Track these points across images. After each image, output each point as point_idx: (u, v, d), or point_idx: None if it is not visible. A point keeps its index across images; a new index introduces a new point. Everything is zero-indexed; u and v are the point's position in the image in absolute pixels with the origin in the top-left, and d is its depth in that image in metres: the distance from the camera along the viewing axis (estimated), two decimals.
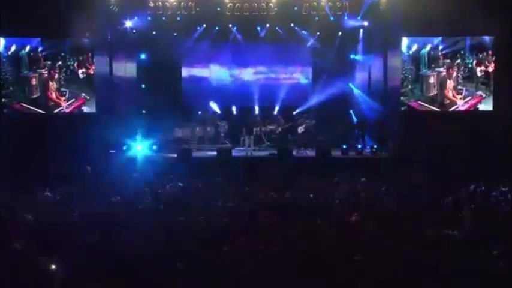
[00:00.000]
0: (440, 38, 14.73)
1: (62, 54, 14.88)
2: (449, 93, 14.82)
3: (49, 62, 14.83)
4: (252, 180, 11.03)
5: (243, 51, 17.59)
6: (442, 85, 14.80)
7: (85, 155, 13.28)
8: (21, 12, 13.86)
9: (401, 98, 14.74)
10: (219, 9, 15.60)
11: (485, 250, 5.76)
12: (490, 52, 14.63)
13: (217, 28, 16.64)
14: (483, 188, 9.87)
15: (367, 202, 9.00)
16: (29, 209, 8.21)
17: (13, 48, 14.79)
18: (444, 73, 14.77)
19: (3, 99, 14.75)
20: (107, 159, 13.91)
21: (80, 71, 14.90)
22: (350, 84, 17.21)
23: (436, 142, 13.57)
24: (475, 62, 14.73)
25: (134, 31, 16.27)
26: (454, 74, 14.79)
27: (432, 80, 14.82)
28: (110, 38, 15.18)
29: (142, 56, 17.09)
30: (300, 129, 16.47)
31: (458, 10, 13.33)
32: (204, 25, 16.47)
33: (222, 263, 5.54)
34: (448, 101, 14.82)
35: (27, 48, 14.78)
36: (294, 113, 17.04)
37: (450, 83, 14.79)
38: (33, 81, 14.88)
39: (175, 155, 14.80)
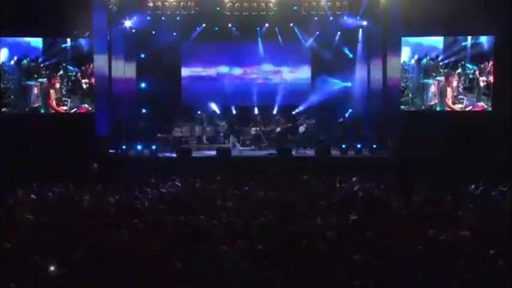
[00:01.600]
0: (442, 47, 14.77)
1: (64, 64, 14.95)
2: (449, 101, 14.88)
3: (48, 72, 14.90)
4: (251, 180, 11.02)
5: (243, 50, 17.58)
6: (442, 93, 14.86)
7: (84, 154, 13.27)
8: (21, 12, 13.85)
9: (402, 107, 14.78)
10: (218, 8, 15.62)
11: (484, 250, 5.76)
12: (491, 63, 14.64)
13: (216, 28, 16.63)
14: (483, 187, 9.87)
15: (366, 202, 8.99)
16: (30, 208, 8.21)
17: (15, 57, 14.86)
18: (444, 82, 14.83)
19: (4, 109, 14.80)
20: (106, 159, 13.91)
21: (83, 81, 14.96)
22: (349, 84, 17.21)
23: (435, 142, 13.57)
24: (477, 72, 14.77)
25: (133, 31, 16.26)
26: (455, 84, 14.85)
27: (433, 88, 14.87)
28: (109, 38, 15.18)
29: (142, 56, 17.06)
30: (300, 129, 16.47)
31: (458, 10, 13.35)
32: (204, 25, 16.45)
33: (221, 262, 5.53)
34: (449, 110, 14.89)
35: (29, 57, 14.86)
36: (294, 112, 17.03)
37: (450, 92, 14.85)
38: (35, 90, 14.95)
39: (175, 155, 14.81)
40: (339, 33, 16.85)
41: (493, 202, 8.99)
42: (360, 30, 16.66)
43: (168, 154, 15.16)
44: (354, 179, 11.41)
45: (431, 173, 11.61)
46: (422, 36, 14.74)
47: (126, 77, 16.13)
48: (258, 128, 16.71)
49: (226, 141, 16.68)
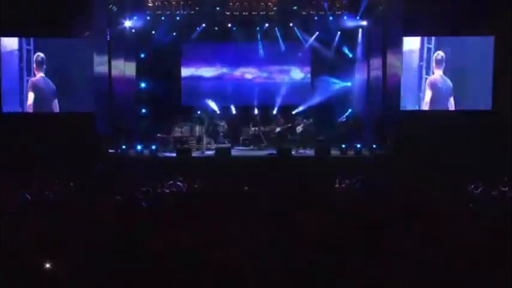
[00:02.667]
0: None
1: None
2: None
3: None
4: (251, 180, 11.02)
5: (242, 50, 17.58)
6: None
7: (84, 154, 13.28)
8: (20, 12, 13.86)
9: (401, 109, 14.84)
10: (218, 8, 15.63)
11: (484, 250, 5.76)
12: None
13: (216, 28, 16.64)
14: (483, 187, 9.87)
15: (365, 201, 8.99)
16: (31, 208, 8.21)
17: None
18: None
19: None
20: (106, 159, 13.92)
21: None
22: (349, 84, 17.21)
23: (434, 142, 13.58)
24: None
25: (133, 31, 16.27)
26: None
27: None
28: (109, 38, 15.19)
29: (142, 56, 17.05)
30: (297, 129, 16.50)
31: (458, 10, 13.36)
32: (204, 25, 16.47)
33: (222, 262, 5.53)
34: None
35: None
36: (293, 112, 17.05)
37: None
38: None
39: (175, 155, 14.82)
40: (339, 33, 16.86)
41: (493, 202, 8.99)
42: (360, 30, 16.66)
43: (168, 154, 15.18)
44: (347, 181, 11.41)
45: (431, 172, 11.61)
46: (422, 36, 14.74)
47: (126, 77, 16.13)
48: (257, 128, 16.72)
49: (225, 142, 16.71)
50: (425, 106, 14.84)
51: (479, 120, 14.19)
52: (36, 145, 13.41)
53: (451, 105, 14.87)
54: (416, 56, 15.34)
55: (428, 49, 14.62)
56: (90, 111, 14.67)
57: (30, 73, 15.02)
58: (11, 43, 15.14)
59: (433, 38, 14.70)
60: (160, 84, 16.73)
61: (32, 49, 15.01)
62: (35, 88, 15.12)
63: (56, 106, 15.16)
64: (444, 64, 14.85)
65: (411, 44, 15.41)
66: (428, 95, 14.96)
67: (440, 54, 14.88)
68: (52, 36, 15.07)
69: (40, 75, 15.13)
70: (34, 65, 15.08)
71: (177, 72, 17.56)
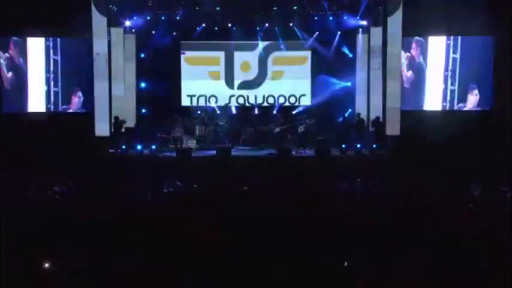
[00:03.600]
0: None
1: None
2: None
3: None
4: (251, 180, 11.01)
5: (243, 50, 17.57)
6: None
7: (84, 154, 13.28)
8: (21, 12, 13.88)
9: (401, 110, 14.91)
10: (218, 8, 15.64)
11: (483, 250, 5.76)
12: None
13: (216, 27, 16.65)
14: (483, 187, 9.86)
15: (365, 201, 8.99)
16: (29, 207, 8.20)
17: None
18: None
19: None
20: (106, 159, 13.92)
21: None
22: (349, 84, 17.21)
23: (434, 141, 13.58)
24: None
25: (133, 30, 16.28)
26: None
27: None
28: (109, 38, 15.19)
29: (142, 56, 17.05)
30: (300, 129, 16.49)
31: (458, 10, 13.37)
32: (204, 24, 16.48)
33: (221, 260, 5.53)
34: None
35: None
36: (294, 112, 17.06)
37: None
38: None
39: (175, 155, 14.82)
40: (339, 33, 16.86)
41: (492, 202, 8.99)
42: (360, 30, 16.66)
43: (168, 154, 15.18)
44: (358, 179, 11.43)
45: (431, 172, 11.61)
46: (422, 36, 14.75)
47: (126, 77, 16.14)
48: (253, 129, 16.71)
49: (225, 142, 16.69)
50: (406, 83, 15.44)
51: (479, 120, 14.20)
52: (36, 145, 13.41)
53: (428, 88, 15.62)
54: (442, 56, 15.68)
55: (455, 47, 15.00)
56: (90, 111, 14.70)
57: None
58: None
59: (459, 38, 14.90)
60: (160, 84, 16.72)
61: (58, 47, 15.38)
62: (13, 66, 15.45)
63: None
64: (419, 49, 15.38)
65: (435, 44, 15.71)
66: (409, 73, 15.56)
67: (416, 38, 15.40)
68: (52, 36, 15.09)
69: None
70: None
71: (177, 72, 17.55)
